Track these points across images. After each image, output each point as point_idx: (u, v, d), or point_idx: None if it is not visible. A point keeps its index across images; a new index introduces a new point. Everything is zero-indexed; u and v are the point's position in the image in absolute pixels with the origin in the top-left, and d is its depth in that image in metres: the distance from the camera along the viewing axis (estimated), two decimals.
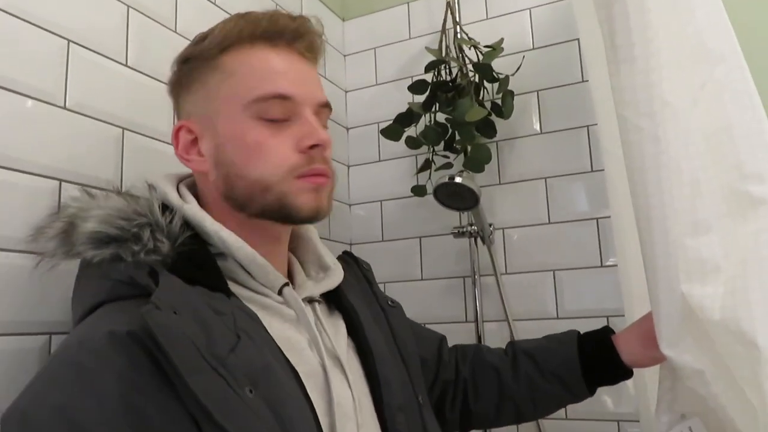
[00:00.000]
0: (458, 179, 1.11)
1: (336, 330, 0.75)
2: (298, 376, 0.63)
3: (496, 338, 1.34)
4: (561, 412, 1.25)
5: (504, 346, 0.94)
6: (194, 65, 0.72)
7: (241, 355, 0.57)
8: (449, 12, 1.38)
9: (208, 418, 0.51)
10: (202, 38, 0.73)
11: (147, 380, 0.52)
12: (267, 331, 0.64)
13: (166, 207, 0.68)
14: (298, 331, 0.69)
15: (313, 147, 0.68)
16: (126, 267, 0.61)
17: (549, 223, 1.35)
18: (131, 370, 0.52)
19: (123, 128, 0.94)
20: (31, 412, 0.52)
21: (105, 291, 0.61)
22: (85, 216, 0.64)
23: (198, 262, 0.65)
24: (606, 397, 1.24)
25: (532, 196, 1.37)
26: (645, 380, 0.99)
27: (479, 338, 1.33)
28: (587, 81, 1.30)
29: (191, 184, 0.75)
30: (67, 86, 0.85)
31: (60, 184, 0.82)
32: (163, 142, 1.00)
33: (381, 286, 1.08)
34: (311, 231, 0.83)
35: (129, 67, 0.96)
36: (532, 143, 1.39)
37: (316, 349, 0.68)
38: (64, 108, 0.85)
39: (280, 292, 0.70)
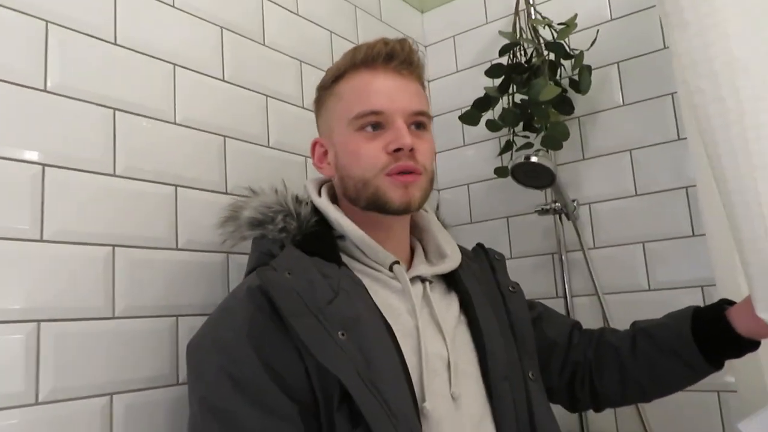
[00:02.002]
0: (533, 158, 1.15)
1: (447, 305, 0.87)
2: (394, 334, 0.76)
3: (586, 312, 1.36)
4: None
5: (621, 326, 0.98)
6: (321, 93, 0.91)
7: (337, 306, 0.74)
8: None
9: (306, 351, 0.70)
10: (328, 70, 0.91)
11: (267, 320, 0.73)
12: (370, 295, 0.80)
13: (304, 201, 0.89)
14: (401, 300, 0.82)
15: (397, 150, 0.81)
16: (266, 242, 0.84)
17: (636, 195, 1.34)
18: (256, 311, 0.73)
19: (225, 136, 1.07)
20: (198, 343, 0.77)
21: (255, 260, 0.85)
22: (245, 206, 0.87)
23: (319, 239, 0.84)
24: None
25: (617, 168, 1.37)
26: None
27: (568, 313, 1.35)
28: (668, 47, 1.27)
29: (331, 186, 0.92)
30: (176, 104, 0.99)
31: (176, 189, 0.97)
32: (259, 144, 1.12)
33: None
34: (432, 223, 0.95)
35: (226, 81, 1.09)
36: (615, 116, 1.38)
37: (414, 316, 0.80)
38: (174, 123, 0.99)
39: (391, 269, 0.84)
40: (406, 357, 0.75)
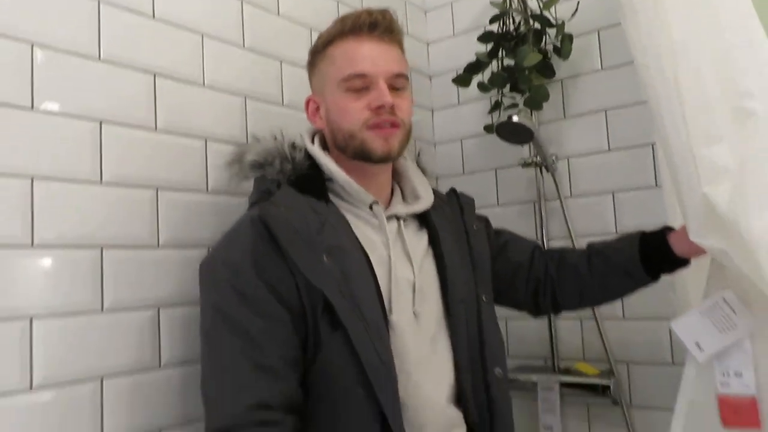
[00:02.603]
0: (515, 118, 1.32)
1: (418, 240, 1.06)
2: (370, 261, 0.95)
3: None
4: (619, 312, 1.48)
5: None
6: (314, 57, 1.06)
7: (324, 236, 0.91)
8: None
9: (297, 271, 0.87)
10: (319, 37, 1.05)
11: (266, 245, 0.89)
12: (352, 229, 0.97)
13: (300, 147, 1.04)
14: (378, 234, 1.00)
15: (378, 107, 0.96)
16: (266, 181, 0.99)
17: (609, 150, 1.51)
18: (258, 238, 0.89)
19: (245, 96, 1.24)
20: (209, 262, 0.95)
21: (255, 196, 1.00)
22: (248, 151, 1.02)
23: (310, 180, 0.99)
24: (657, 300, 1.41)
25: (594, 127, 1.54)
26: (685, 282, 1.16)
27: None
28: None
29: (322, 137, 1.07)
30: (204, 69, 1.17)
31: (206, 141, 1.15)
32: (275, 103, 1.30)
33: None
34: (409, 170, 1.12)
35: (247, 48, 1.26)
36: (594, 79, 1.54)
37: (387, 247, 0.99)
38: (203, 86, 1.16)
39: (371, 208, 1.00)
40: (379, 280, 0.94)
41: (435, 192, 1.13)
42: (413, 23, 1.79)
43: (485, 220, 1.20)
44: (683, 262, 1.05)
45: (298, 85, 1.36)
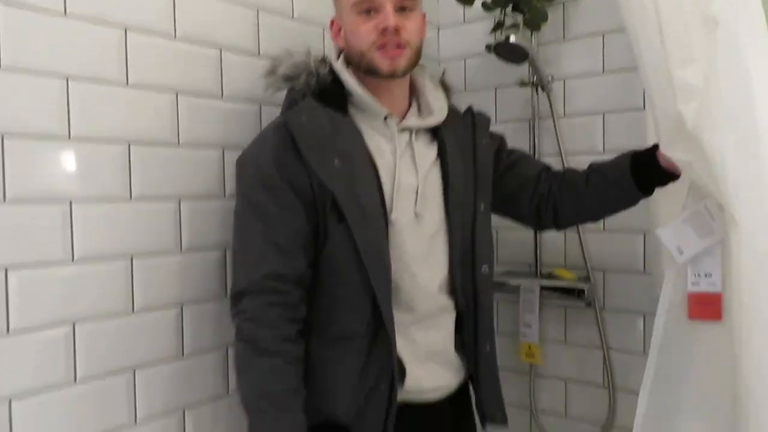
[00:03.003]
0: (511, 38, 1.40)
1: (427, 150, 1.19)
2: (376, 167, 1.09)
3: None
4: (600, 224, 1.60)
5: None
6: None
7: (337, 143, 1.06)
8: None
9: (312, 170, 1.04)
10: None
11: (287, 147, 1.05)
12: (363, 138, 1.10)
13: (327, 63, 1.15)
14: (388, 143, 1.13)
15: (384, 29, 1.06)
16: (294, 93, 1.13)
17: (603, 73, 1.59)
18: (281, 141, 1.06)
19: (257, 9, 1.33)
20: (242, 157, 1.11)
21: (285, 105, 1.14)
22: (281, 63, 1.14)
23: (332, 94, 1.12)
24: (636, 214, 1.53)
25: (591, 50, 1.60)
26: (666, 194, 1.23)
27: None
28: None
29: (348, 54, 1.16)
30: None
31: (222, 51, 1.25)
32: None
33: None
34: (426, 87, 1.22)
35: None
36: (594, 3, 1.59)
37: (395, 155, 1.12)
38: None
39: (386, 120, 1.13)
40: (383, 184, 1.09)
41: (452, 109, 1.25)
42: None
43: (500, 138, 1.31)
44: (672, 176, 1.10)
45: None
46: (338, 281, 1.07)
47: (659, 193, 1.18)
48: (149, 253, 1.15)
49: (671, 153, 1.02)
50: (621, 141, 1.57)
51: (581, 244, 1.61)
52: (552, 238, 1.69)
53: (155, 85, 1.15)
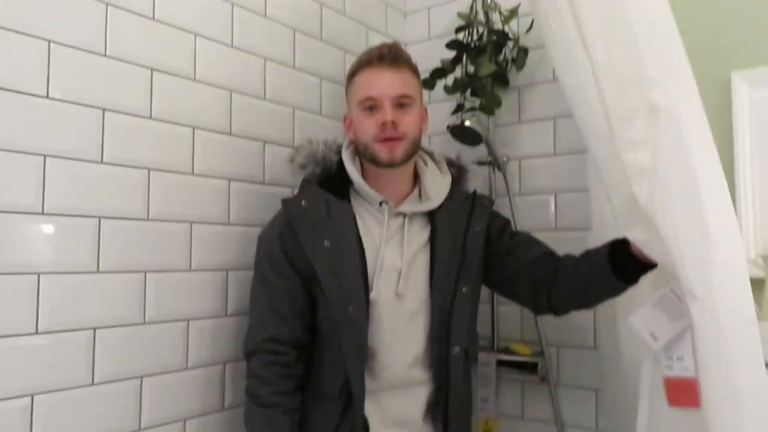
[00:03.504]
0: (466, 122, 1.48)
1: (418, 234, 1.28)
2: (364, 249, 1.20)
3: None
4: None
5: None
6: (347, 85, 1.31)
7: (330, 225, 1.21)
8: None
9: (305, 253, 1.19)
10: (351, 67, 1.29)
11: (289, 230, 1.22)
12: (356, 221, 1.23)
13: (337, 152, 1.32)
14: (379, 227, 1.24)
15: (383, 124, 1.20)
16: (304, 180, 1.30)
17: (555, 154, 1.68)
18: (285, 222, 1.23)
19: (231, 90, 1.41)
20: (259, 235, 1.29)
21: (299, 189, 1.31)
22: (299, 153, 1.31)
23: (336, 180, 1.27)
24: None
25: (543, 132, 1.70)
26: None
27: None
28: None
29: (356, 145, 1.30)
30: (197, 61, 1.33)
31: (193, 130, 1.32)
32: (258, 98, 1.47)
33: None
34: (425, 173, 1.33)
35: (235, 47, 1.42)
36: (546, 89, 1.70)
37: (382, 238, 1.22)
38: (193, 80, 1.33)
39: (381, 205, 1.24)
40: (368, 264, 1.21)
41: (456, 191, 1.34)
42: (393, 25, 1.95)
43: (504, 222, 1.37)
44: (650, 264, 1.08)
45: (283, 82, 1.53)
46: (322, 345, 1.22)
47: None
48: (112, 325, 1.17)
49: (629, 234, 1.05)
50: (572, 219, 1.64)
51: (536, 319, 1.65)
52: (508, 312, 1.74)
53: (129, 162, 1.21)
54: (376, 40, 1.79)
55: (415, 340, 1.23)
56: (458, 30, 1.67)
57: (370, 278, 1.20)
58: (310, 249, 1.19)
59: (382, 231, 1.23)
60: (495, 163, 1.67)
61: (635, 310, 1.06)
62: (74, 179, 1.12)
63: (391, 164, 1.23)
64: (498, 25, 1.66)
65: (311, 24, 1.64)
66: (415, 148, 1.27)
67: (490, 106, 1.60)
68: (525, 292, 1.30)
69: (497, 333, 1.73)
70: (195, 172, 1.33)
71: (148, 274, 1.23)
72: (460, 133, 1.53)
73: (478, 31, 1.68)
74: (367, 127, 1.22)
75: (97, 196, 1.15)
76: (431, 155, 1.37)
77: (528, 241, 1.35)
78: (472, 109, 1.69)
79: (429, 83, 1.70)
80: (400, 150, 1.22)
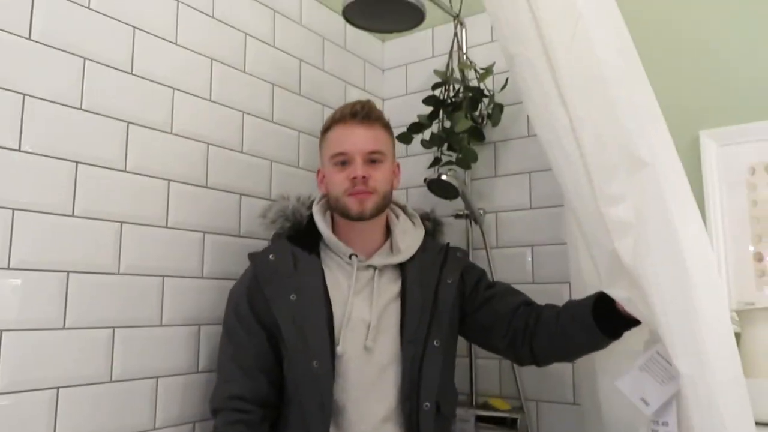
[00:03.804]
0: (443, 177, 1.50)
1: (389, 287, 1.27)
2: (330, 302, 1.19)
3: None
4: None
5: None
6: (320, 138, 1.33)
7: (294, 279, 1.21)
8: (455, 39, 1.74)
9: (270, 307, 1.19)
10: (324, 123, 1.32)
11: (256, 284, 1.22)
12: (323, 274, 1.23)
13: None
14: (348, 280, 1.23)
15: (354, 178, 1.21)
16: (274, 235, 1.32)
17: (531, 208, 1.70)
18: (252, 278, 1.23)
19: (208, 143, 1.41)
20: (230, 291, 1.29)
21: (269, 243, 1.32)
22: (271, 209, 1.32)
23: (303, 235, 1.28)
24: None
25: (519, 186, 1.72)
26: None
27: None
28: None
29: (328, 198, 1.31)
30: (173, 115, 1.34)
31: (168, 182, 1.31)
32: (235, 150, 1.47)
33: None
34: (396, 226, 1.34)
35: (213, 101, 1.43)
36: (522, 144, 1.73)
37: (350, 291, 1.21)
38: (170, 133, 1.33)
39: (351, 258, 1.25)
40: (335, 317, 1.19)
41: (429, 243, 1.34)
42: (371, 81, 1.99)
43: (479, 273, 1.35)
44: (635, 321, 1.07)
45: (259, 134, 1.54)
46: (287, 402, 1.21)
47: None
48: (77, 384, 1.13)
49: (611, 291, 1.03)
50: (549, 272, 1.65)
51: (515, 374, 1.63)
52: (487, 366, 1.72)
53: (101, 215, 1.19)
54: (355, 95, 1.83)
55: (385, 396, 1.20)
56: (435, 86, 1.71)
57: (336, 332, 1.18)
58: (276, 303, 1.19)
59: (351, 283, 1.22)
60: (472, 216, 1.68)
61: (622, 375, 1.04)
62: (43, 233, 1.10)
63: (361, 217, 1.23)
64: (474, 83, 1.70)
65: (290, 79, 1.67)
66: (386, 202, 1.28)
67: (466, 161, 1.62)
68: (505, 344, 1.27)
69: (475, 388, 1.70)
70: (169, 224, 1.31)
71: (116, 330, 1.19)
72: (437, 186, 1.54)
73: (454, 87, 1.72)
74: (339, 181, 1.24)
75: (67, 249, 1.13)
76: (403, 209, 1.38)
77: (505, 291, 1.33)
78: (449, 162, 1.71)
79: (406, 137, 1.72)
80: (370, 203, 1.23)
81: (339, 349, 1.18)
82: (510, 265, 1.71)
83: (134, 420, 1.21)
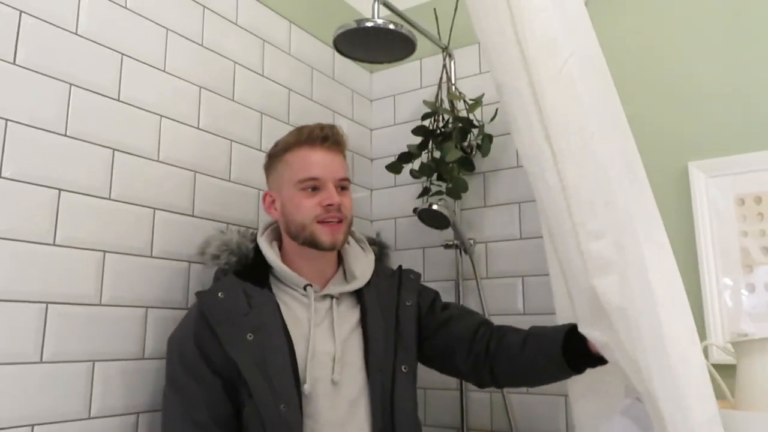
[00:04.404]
0: (434, 206, 1.48)
1: (348, 315, 1.20)
2: (290, 338, 1.10)
3: None
4: (523, 387, 1.60)
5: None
6: (272, 160, 1.26)
7: (251, 317, 1.11)
8: (444, 70, 1.75)
9: (225, 350, 1.07)
10: (276, 144, 1.25)
11: (204, 326, 1.10)
12: (279, 309, 1.12)
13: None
14: (306, 312, 1.16)
15: (328, 205, 1.16)
16: (218, 271, 1.21)
17: (521, 239, 1.69)
18: (199, 320, 1.11)
19: (195, 172, 1.39)
20: (170, 338, 1.15)
21: (213, 282, 1.20)
22: (211, 243, 1.23)
23: (252, 269, 1.19)
24: None
25: (509, 216, 1.71)
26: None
27: None
28: None
29: (276, 228, 1.26)
30: (161, 141, 1.31)
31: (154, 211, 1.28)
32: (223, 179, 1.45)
33: None
34: (350, 254, 1.28)
35: (202, 129, 1.41)
36: (511, 174, 1.73)
37: (310, 324, 1.14)
38: (156, 160, 1.30)
39: (305, 289, 1.18)
40: (297, 353, 1.10)
41: (381, 267, 1.30)
42: (359, 110, 1.99)
43: (434, 294, 1.32)
44: (602, 360, 1.04)
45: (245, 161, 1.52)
46: None
47: None
48: (54, 421, 1.08)
49: (588, 331, 1.00)
50: (540, 303, 1.63)
51: (506, 407, 1.60)
52: (478, 399, 1.68)
53: (83, 243, 1.15)
54: (343, 125, 1.81)
55: (359, 429, 1.12)
56: (425, 117, 1.71)
57: (301, 370, 1.10)
58: (231, 345, 1.07)
59: (311, 316, 1.15)
60: (462, 246, 1.67)
61: (605, 422, 1.05)
62: (21, 261, 1.06)
63: (333, 248, 1.19)
64: (463, 113, 1.71)
65: (279, 108, 1.66)
66: (350, 229, 1.24)
67: (456, 190, 1.61)
68: (466, 367, 1.22)
69: (466, 422, 1.66)
70: (154, 254, 1.28)
71: (96, 364, 1.15)
72: (428, 216, 1.52)
73: (443, 118, 1.72)
74: (309, 207, 1.17)
75: (47, 279, 1.09)
76: (352, 234, 1.32)
77: (461, 312, 1.29)
78: (439, 192, 1.70)
79: (395, 167, 1.71)
80: (341, 233, 1.19)
81: (306, 387, 1.09)
82: (500, 295, 1.69)
83: None
